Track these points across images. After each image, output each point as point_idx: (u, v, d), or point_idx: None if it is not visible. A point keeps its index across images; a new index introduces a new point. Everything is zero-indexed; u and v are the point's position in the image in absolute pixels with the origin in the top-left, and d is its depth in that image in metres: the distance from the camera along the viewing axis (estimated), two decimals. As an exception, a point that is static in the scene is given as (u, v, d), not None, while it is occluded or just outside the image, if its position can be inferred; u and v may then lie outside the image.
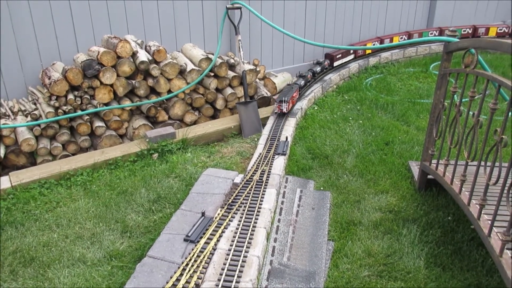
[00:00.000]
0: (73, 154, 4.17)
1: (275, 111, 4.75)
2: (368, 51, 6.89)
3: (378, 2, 7.21)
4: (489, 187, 2.26)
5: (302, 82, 5.41)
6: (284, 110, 4.64)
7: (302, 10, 6.36)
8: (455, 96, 2.93)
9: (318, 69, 5.92)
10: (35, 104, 4.27)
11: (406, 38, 7.27)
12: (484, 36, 7.55)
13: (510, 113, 2.10)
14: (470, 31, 7.59)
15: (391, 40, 7.12)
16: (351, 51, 6.60)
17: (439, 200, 3.31)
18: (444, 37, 2.94)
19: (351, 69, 6.35)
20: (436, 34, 7.37)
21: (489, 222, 2.20)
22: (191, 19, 5.45)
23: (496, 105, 2.20)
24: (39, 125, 3.99)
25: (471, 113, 2.54)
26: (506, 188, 2.05)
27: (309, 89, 5.45)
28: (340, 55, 6.33)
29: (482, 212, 2.32)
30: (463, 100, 2.75)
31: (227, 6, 5.07)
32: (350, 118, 4.90)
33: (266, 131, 4.33)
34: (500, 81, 2.17)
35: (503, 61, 6.67)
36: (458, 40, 2.83)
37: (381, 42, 7.05)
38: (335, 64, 6.30)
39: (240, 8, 5.09)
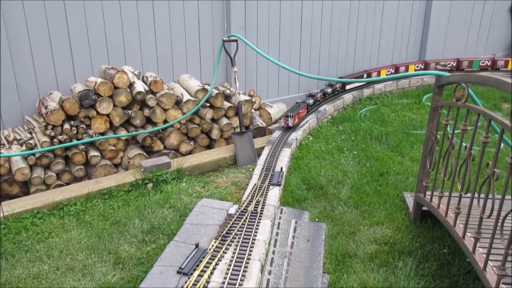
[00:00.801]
0: (67, 184, 4.15)
1: (282, 125, 5.24)
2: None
3: (370, 36, 7.40)
4: (483, 220, 2.26)
5: (311, 101, 5.77)
6: (290, 124, 5.09)
7: (297, 43, 6.50)
8: (448, 127, 2.97)
9: (329, 90, 6.31)
10: (30, 133, 4.28)
11: (422, 67, 7.59)
12: (503, 68, 7.79)
13: (501, 145, 2.13)
14: (489, 64, 7.87)
15: (407, 69, 7.46)
16: (365, 76, 7.06)
17: (434, 232, 3.30)
18: (435, 71, 3.01)
19: (345, 100, 6.43)
20: (454, 64, 7.80)
21: (484, 255, 2.19)
22: (188, 50, 5.56)
23: (487, 138, 2.24)
24: (33, 154, 3.98)
25: (464, 144, 2.58)
26: (500, 221, 2.06)
27: (304, 119, 5.50)
28: (353, 79, 6.70)
29: (477, 245, 2.31)
30: (455, 132, 2.79)
31: (224, 38, 5.18)
32: (345, 148, 4.93)
33: (261, 161, 4.34)
34: (490, 116, 2.21)
35: (494, 93, 6.80)
36: (449, 74, 2.90)
37: (396, 69, 7.41)
38: (347, 87, 6.63)
39: (236, 40, 5.20)
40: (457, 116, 2.73)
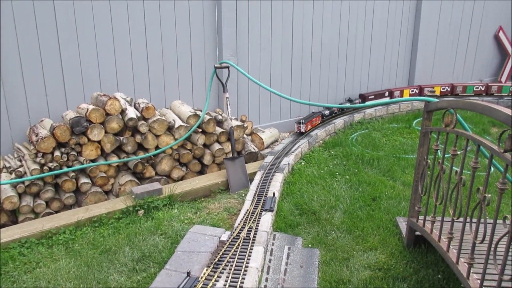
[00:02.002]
0: (57, 212, 4.09)
1: (295, 130, 5.96)
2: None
3: (360, 61, 7.53)
4: (476, 245, 2.26)
5: (327, 112, 6.44)
6: (302, 130, 5.79)
7: (288, 69, 6.60)
8: (438, 152, 3.00)
9: (348, 104, 6.99)
10: (20, 160, 4.23)
11: (449, 90, 7.98)
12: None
13: (492, 169, 2.15)
14: None
15: (431, 90, 7.72)
16: (386, 94, 7.56)
17: (428, 257, 3.28)
18: (424, 97, 3.05)
19: (336, 125, 6.49)
20: (483, 89, 8.12)
21: (479, 281, 2.17)
22: (180, 77, 5.61)
23: (477, 163, 2.26)
24: (23, 182, 3.93)
25: (455, 169, 2.60)
26: (493, 246, 2.06)
27: (296, 144, 5.53)
28: (373, 96, 7.31)
29: (471, 271, 2.30)
30: (446, 156, 2.81)
31: (215, 65, 5.24)
32: (337, 173, 4.94)
33: (253, 186, 4.32)
34: (479, 141, 2.24)
35: (482, 118, 6.90)
36: (437, 100, 2.94)
37: (421, 90, 7.78)
38: (367, 103, 7.13)
39: (228, 67, 5.27)
40: (446, 140, 2.76)
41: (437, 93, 7.77)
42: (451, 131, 2.67)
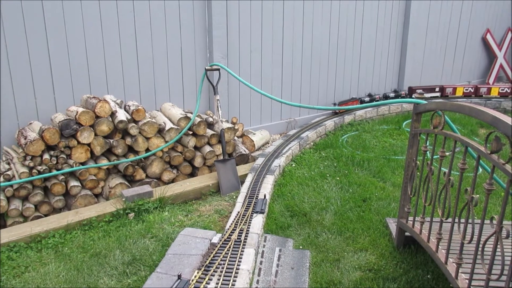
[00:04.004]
0: (46, 215, 4.05)
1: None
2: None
3: (350, 64, 7.58)
4: (465, 245, 2.28)
5: (367, 99, 7.22)
6: (336, 110, 6.68)
7: (278, 71, 6.61)
8: (428, 153, 3.03)
9: (392, 95, 7.52)
10: (9, 164, 4.19)
11: (509, 91, 8.14)
12: None
13: (480, 169, 2.17)
14: None
15: (489, 91, 8.16)
16: (436, 89, 7.99)
17: (417, 258, 3.31)
18: (413, 99, 3.09)
19: (327, 127, 6.52)
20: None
21: (467, 281, 2.20)
22: (171, 79, 5.59)
23: (464, 165, 2.29)
24: (11, 185, 3.89)
25: (443, 170, 2.63)
26: (480, 246, 2.08)
27: (287, 146, 5.54)
28: (421, 90, 7.62)
29: (460, 271, 2.33)
30: (435, 157, 2.84)
31: (206, 67, 5.24)
32: (328, 174, 4.96)
33: (244, 188, 4.32)
34: (466, 142, 2.27)
35: (470, 119, 6.98)
36: (426, 102, 2.98)
37: (477, 89, 8.16)
38: (413, 95, 7.56)
39: (218, 69, 5.27)
40: (435, 142, 2.79)
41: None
42: (439, 133, 2.70)
